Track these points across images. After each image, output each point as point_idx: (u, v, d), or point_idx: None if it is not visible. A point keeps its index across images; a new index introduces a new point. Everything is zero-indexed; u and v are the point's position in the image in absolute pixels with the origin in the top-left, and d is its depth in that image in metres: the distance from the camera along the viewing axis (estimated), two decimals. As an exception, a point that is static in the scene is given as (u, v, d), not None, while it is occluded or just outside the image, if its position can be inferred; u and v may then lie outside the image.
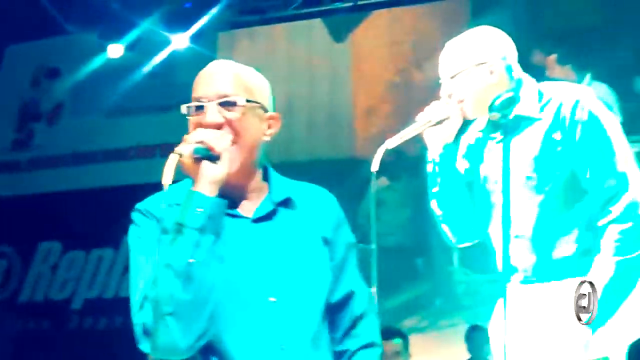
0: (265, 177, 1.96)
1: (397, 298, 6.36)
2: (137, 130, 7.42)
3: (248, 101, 1.87)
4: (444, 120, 2.76)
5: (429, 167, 2.85)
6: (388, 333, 4.92)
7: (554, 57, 5.52)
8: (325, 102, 6.90)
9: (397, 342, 4.98)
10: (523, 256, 2.73)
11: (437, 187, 2.84)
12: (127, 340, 1.96)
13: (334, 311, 1.97)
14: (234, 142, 1.84)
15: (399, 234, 6.53)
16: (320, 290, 1.92)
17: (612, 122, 2.72)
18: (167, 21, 6.87)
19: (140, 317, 1.78)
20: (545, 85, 2.77)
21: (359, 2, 6.77)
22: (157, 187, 1.82)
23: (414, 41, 6.51)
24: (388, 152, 2.73)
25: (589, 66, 5.65)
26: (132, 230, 1.88)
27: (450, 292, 6.35)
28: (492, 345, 2.84)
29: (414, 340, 5.70)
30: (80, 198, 7.28)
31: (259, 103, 1.91)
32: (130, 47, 6.95)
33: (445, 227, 2.91)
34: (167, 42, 6.96)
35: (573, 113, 2.66)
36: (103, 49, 7.01)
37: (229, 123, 1.85)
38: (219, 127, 1.84)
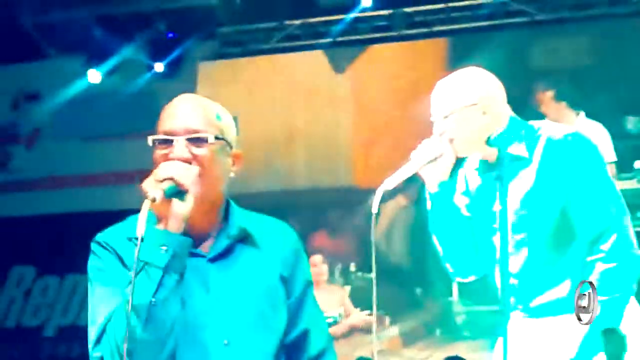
0: (227, 214, 1.94)
1: (398, 327, 6.43)
2: (115, 156, 7.41)
3: (217, 138, 1.86)
4: (437, 158, 2.79)
5: (428, 204, 2.88)
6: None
7: (550, 94, 5.61)
8: (325, 132, 7.03)
9: None
10: (520, 293, 2.76)
11: (437, 224, 2.87)
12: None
13: (290, 351, 1.94)
14: (201, 177, 1.82)
15: (400, 260, 6.57)
16: (274, 331, 1.89)
17: (600, 162, 2.77)
18: (149, 49, 6.93)
19: (97, 350, 1.78)
20: (534, 125, 2.82)
21: (338, 39, 6.98)
22: (135, 213, 1.81)
23: (413, 75, 6.64)
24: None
25: (583, 104, 5.75)
26: (93, 261, 1.87)
27: (450, 322, 6.39)
28: None
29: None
30: (56, 222, 7.24)
31: (226, 140, 1.89)
32: (111, 73, 6.97)
33: (447, 264, 2.93)
34: (147, 69, 7.00)
35: (562, 153, 2.72)
36: (83, 74, 7.02)
37: (197, 159, 1.83)
38: (186, 163, 1.83)
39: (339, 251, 6.62)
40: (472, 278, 2.97)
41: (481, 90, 2.78)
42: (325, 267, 5.77)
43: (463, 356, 5.58)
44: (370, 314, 6.15)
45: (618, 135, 5.81)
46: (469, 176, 2.92)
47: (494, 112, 2.78)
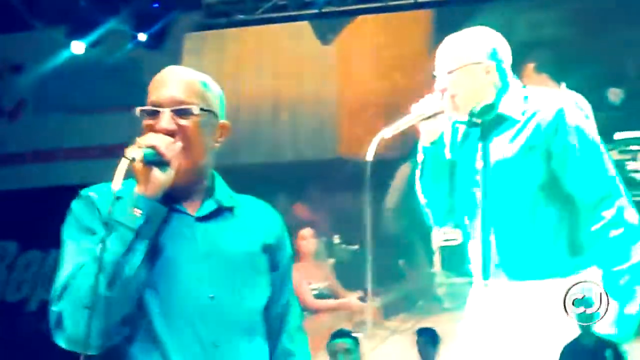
0: (213, 183, 1.99)
1: (381, 298, 6.46)
2: (100, 130, 7.34)
3: (202, 110, 1.91)
4: (437, 113, 2.83)
5: (419, 157, 2.94)
6: (341, 334, 5.13)
7: (531, 65, 5.61)
8: (311, 103, 7.03)
9: (349, 341, 5.09)
10: (499, 253, 2.77)
11: (425, 175, 2.93)
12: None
13: (273, 322, 2.00)
14: (185, 149, 1.87)
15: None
16: (257, 297, 1.95)
17: (593, 130, 2.81)
18: (134, 20, 6.85)
19: (58, 305, 1.79)
20: (531, 90, 2.85)
21: (324, 10, 6.95)
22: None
23: (398, 47, 6.66)
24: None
25: (564, 76, 5.78)
26: (71, 217, 1.89)
27: (432, 294, 6.43)
28: (464, 342, 2.86)
29: (396, 340, 5.65)
30: (40, 197, 7.16)
31: (212, 111, 1.94)
32: (95, 45, 6.89)
33: (428, 211, 3.00)
34: (132, 41, 6.93)
35: (557, 119, 2.73)
36: (67, 45, 6.93)
37: (182, 131, 1.88)
38: (171, 134, 1.87)
39: (323, 223, 6.64)
40: (447, 226, 3.05)
41: (488, 50, 2.81)
42: (314, 241, 5.78)
43: (444, 327, 5.56)
44: (363, 297, 6.22)
45: (599, 107, 5.90)
46: (457, 132, 2.95)
47: (496, 73, 2.81)
